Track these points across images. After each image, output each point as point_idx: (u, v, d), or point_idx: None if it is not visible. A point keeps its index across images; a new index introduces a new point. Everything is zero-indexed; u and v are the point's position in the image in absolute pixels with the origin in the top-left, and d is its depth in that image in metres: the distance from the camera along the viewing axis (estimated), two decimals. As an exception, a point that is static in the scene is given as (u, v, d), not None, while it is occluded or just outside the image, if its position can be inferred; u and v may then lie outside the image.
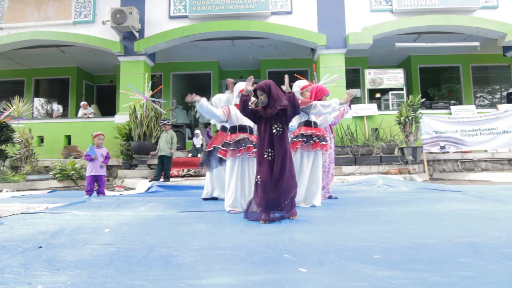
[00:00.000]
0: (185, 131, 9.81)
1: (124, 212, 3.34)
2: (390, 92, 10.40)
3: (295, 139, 3.55)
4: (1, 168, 7.80)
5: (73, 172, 7.74)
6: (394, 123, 8.49)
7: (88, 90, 13.02)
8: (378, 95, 12.32)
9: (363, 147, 8.10)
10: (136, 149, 8.12)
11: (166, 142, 6.79)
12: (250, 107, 2.93)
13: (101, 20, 9.22)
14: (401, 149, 8.14)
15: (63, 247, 2.03)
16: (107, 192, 5.62)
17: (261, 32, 9.00)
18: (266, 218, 2.75)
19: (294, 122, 3.65)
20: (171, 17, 9.22)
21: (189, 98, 3.04)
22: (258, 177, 2.80)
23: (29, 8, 9.48)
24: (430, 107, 9.52)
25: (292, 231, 2.38)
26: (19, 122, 8.55)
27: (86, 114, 9.90)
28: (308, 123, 3.61)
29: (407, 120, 7.97)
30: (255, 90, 2.93)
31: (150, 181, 6.65)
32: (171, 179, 7.06)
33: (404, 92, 10.00)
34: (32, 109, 11.92)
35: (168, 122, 7.01)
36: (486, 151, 8.54)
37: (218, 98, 4.20)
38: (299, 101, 3.63)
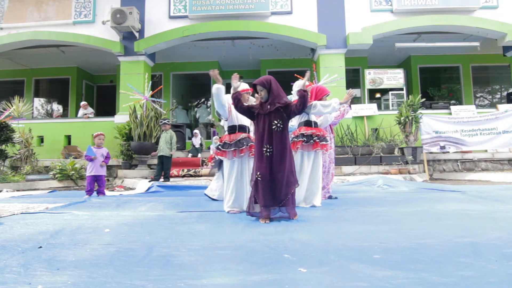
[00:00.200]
0: (185, 131, 9.81)
1: (124, 212, 3.34)
2: (390, 92, 10.40)
3: (295, 139, 3.55)
4: (1, 168, 7.80)
5: (73, 172, 7.74)
6: (394, 123, 8.49)
7: (88, 90, 13.02)
8: (378, 95, 12.32)
9: (363, 147, 8.10)
10: (136, 149, 8.12)
11: (165, 142, 6.80)
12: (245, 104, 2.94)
13: (101, 20, 9.22)
14: (401, 149, 8.14)
15: (63, 247, 2.03)
16: (107, 192, 5.62)
17: (261, 32, 9.01)
18: (267, 215, 2.76)
19: (294, 122, 3.65)
20: (171, 17, 9.22)
21: (213, 73, 3.04)
22: (258, 173, 2.78)
23: (29, 8, 9.48)
24: (430, 107, 9.52)
25: (292, 231, 2.38)
26: (19, 122, 8.55)
27: (86, 114, 9.90)
28: (308, 123, 3.61)
29: (407, 120, 7.97)
30: (254, 86, 2.91)
31: (150, 181, 6.66)
32: (171, 179, 7.06)
33: (404, 92, 10.00)
34: (32, 109, 11.92)
35: (168, 121, 7.02)
36: (486, 151, 8.54)
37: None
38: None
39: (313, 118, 3.68)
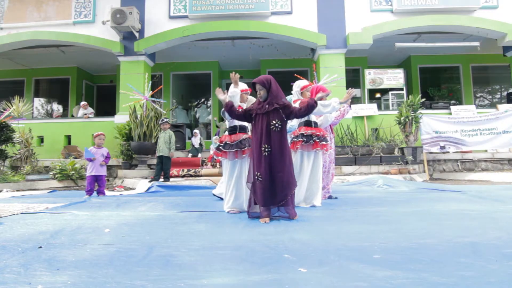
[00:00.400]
0: (185, 131, 9.81)
1: (124, 212, 3.34)
2: (390, 92, 10.40)
3: (295, 139, 3.55)
4: (1, 168, 7.80)
5: (73, 172, 7.74)
6: (394, 123, 8.49)
7: (88, 90, 13.02)
8: (378, 95, 12.32)
9: (363, 147, 8.10)
10: (136, 149, 8.12)
11: (164, 142, 6.78)
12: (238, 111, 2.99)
13: (101, 20, 9.22)
14: (401, 149, 8.14)
15: (63, 247, 2.03)
16: (107, 192, 5.62)
17: (261, 32, 9.01)
18: (267, 214, 2.75)
19: (294, 122, 3.65)
20: (171, 17, 9.22)
21: (234, 77, 3.15)
22: (258, 173, 2.77)
23: (29, 8, 9.48)
24: (430, 107, 9.52)
25: (292, 231, 2.38)
26: (19, 122, 8.55)
27: (86, 114, 9.91)
28: (308, 123, 3.61)
29: (407, 120, 7.97)
30: (253, 84, 2.90)
31: (150, 181, 6.66)
32: (171, 179, 7.06)
33: (404, 92, 10.00)
34: (32, 109, 11.92)
35: (168, 121, 7.01)
36: (486, 151, 8.54)
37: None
38: (299, 101, 3.64)
39: (313, 118, 3.67)
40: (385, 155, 7.92)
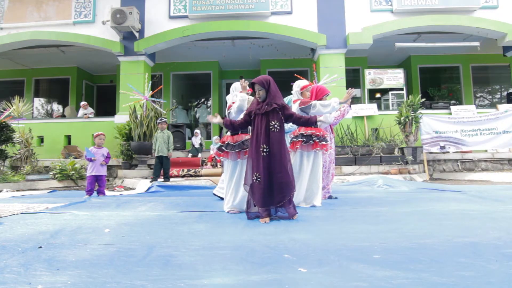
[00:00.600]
0: (185, 131, 9.81)
1: (124, 212, 3.34)
2: (390, 92, 10.40)
3: (295, 139, 3.55)
4: (1, 168, 7.80)
5: (73, 172, 7.74)
6: (394, 123, 8.49)
7: (88, 90, 13.02)
8: (378, 95, 12.32)
9: (363, 147, 8.10)
10: (136, 149, 8.12)
11: (163, 143, 6.74)
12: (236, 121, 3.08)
13: (101, 20, 9.22)
14: (401, 149, 8.14)
15: (63, 247, 2.03)
16: (107, 192, 5.62)
17: (261, 32, 9.01)
18: (267, 215, 2.75)
19: (293, 122, 3.65)
20: (171, 17, 9.23)
21: (243, 83, 3.36)
22: (257, 174, 2.76)
23: (29, 8, 9.48)
24: (430, 107, 9.52)
25: (292, 231, 2.38)
26: (19, 122, 8.55)
27: (86, 114, 9.91)
28: (308, 123, 3.61)
29: (407, 120, 7.97)
30: (253, 84, 2.90)
31: (151, 181, 6.65)
32: (171, 179, 7.06)
33: (404, 92, 10.00)
34: (32, 109, 11.92)
35: (166, 121, 7.00)
36: (486, 151, 8.54)
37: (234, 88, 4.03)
38: (299, 101, 3.64)
39: (313, 118, 3.67)
40: (385, 155, 7.92)
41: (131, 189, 6.98)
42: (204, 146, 9.62)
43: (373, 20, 8.93)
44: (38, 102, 12.75)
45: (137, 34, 9.04)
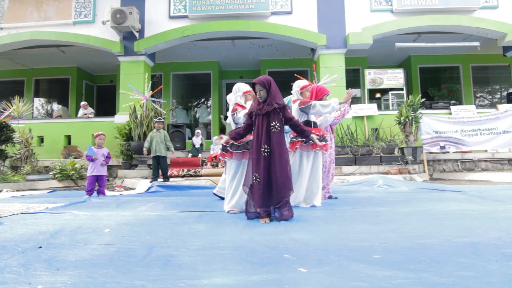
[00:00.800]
0: (185, 131, 9.81)
1: (124, 212, 3.34)
2: (390, 92, 10.40)
3: (295, 139, 3.54)
4: (1, 168, 7.80)
5: (73, 172, 7.74)
6: (394, 123, 8.49)
7: (88, 90, 13.02)
8: (378, 95, 12.32)
9: (363, 147, 8.10)
10: (136, 149, 8.12)
11: (160, 142, 6.63)
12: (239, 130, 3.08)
13: (101, 20, 9.22)
14: (401, 149, 8.14)
15: (63, 247, 2.03)
16: (107, 192, 5.62)
17: (261, 32, 9.01)
18: (267, 215, 2.76)
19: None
20: (171, 17, 9.23)
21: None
22: (256, 174, 2.76)
23: (29, 8, 9.48)
24: (430, 107, 9.52)
25: (292, 231, 2.38)
26: (19, 122, 8.55)
27: (86, 114, 9.91)
28: (307, 123, 3.60)
29: (407, 120, 7.97)
30: (253, 85, 2.91)
31: (151, 181, 6.64)
32: (171, 179, 7.06)
33: (404, 92, 10.00)
34: (32, 109, 11.92)
35: (164, 121, 6.94)
36: (486, 151, 8.54)
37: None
38: (299, 101, 3.64)
39: (312, 118, 3.67)
40: (385, 155, 7.92)
41: (131, 189, 6.98)
42: (204, 146, 9.62)
43: (373, 20, 8.93)
44: (38, 102, 12.75)
45: (137, 34, 9.04)
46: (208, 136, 11.51)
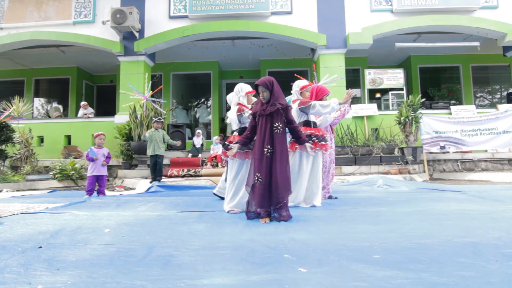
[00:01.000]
0: (185, 131, 9.81)
1: (124, 212, 3.34)
2: (390, 92, 10.40)
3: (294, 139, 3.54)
4: (1, 168, 7.80)
5: (73, 172, 7.74)
6: (394, 123, 8.49)
7: (88, 90, 13.02)
8: (378, 95, 12.32)
9: (363, 147, 8.10)
10: (136, 149, 8.12)
11: (159, 142, 6.56)
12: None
13: (101, 20, 9.22)
14: (401, 149, 8.14)
15: (63, 247, 2.03)
16: (107, 192, 5.62)
17: (261, 32, 9.00)
18: (267, 215, 2.76)
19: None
20: (171, 17, 9.23)
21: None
22: (258, 174, 2.77)
23: (29, 8, 9.48)
24: (430, 107, 9.52)
25: (292, 231, 2.38)
26: (19, 122, 8.55)
27: (86, 114, 9.91)
28: (307, 123, 3.61)
29: (407, 120, 7.97)
30: (256, 86, 2.93)
31: (150, 181, 6.62)
32: (171, 179, 7.06)
33: (404, 92, 10.00)
34: (32, 109, 11.92)
35: (163, 121, 6.90)
36: (486, 151, 8.54)
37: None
38: (299, 101, 3.64)
39: (312, 118, 3.67)
40: (385, 155, 7.92)
41: (131, 189, 6.98)
42: (204, 146, 9.62)
43: (373, 20, 8.93)
44: (38, 102, 12.74)
45: (137, 34, 9.04)
46: (208, 136, 11.51)
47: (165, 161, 7.93)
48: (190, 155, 8.97)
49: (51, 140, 9.49)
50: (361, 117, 9.05)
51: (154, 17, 9.27)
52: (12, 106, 8.73)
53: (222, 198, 4.04)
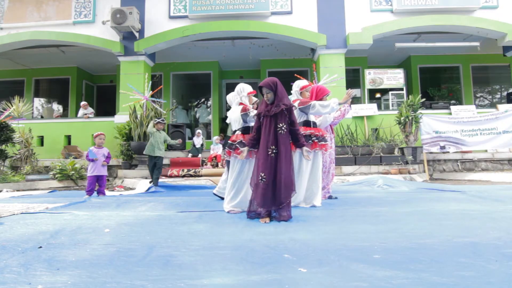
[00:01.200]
0: (185, 131, 9.81)
1: (124, 212, 3.34)
2: (390, 92, 10.39)
3: (295, 139, 3.54)
4: (1, 168, 7.80)
5: (73, 172, 7.74)
6: (394, 123, 8.49)
7: (88, 90, 13.02)
8: (378, 95, 12.32)
9: (363, 147, 8.10)
10: (136, 149, 8.12)
11: (160, 143, 6.28)
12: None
13: (101, 20, 9.22)
14: (401, 149, 8.14)
15: (63, 247, 2.03)
16: (107, 192, 5.62)
17: (261, 32, 9.00)
18: (267, 215, 2.77)
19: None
20: (171, 17, 9.22)
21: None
22: (263, 174, 2.78)
23: (29, 8, 9.48)
24: (430, 107, 9.52)
25: (292, 231, 2.38)
26: (19, 122, 8.55)
27: (86, 114, 9.91)
28: (307, 123, 3.61)
29: (407, 120, 7.97)
30: (260, 88, 2.94)
31: (150, 182, 6.57)
32: (171, 179, 7.05)
33: (404, 92, 10.00)
34: (32, 109, 11.92)
35: (165, 122, 6.76)
36: (486, 151, 8.54)
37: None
38: (298, 101, 3.64)
39: (312, 118, 3.67)
40: (385, 155, 7.92)
41: (131, 189, 6.98)
42: (204, 146, 9.62)
43: (373, 20, 8.93)
44: (38, 102, 12.74)
45: (137, 34, 9.04)
46: (208, 136, 11.51)
47: (165, 161, 7.91)
48: (190, 155, 8.97)
49: (51, 140, 9.49)
50: (361, 117, 9.05)
51: (154, 17, 9.27)
52: (12, 106, 8.73)
53: (222, 198, 4.02)
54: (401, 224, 2.57)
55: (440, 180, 7.62)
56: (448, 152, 8.21)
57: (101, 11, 9.33)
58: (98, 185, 5.22)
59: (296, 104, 3.62)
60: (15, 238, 2.24)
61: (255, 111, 3.25)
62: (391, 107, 10.09)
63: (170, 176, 7.52)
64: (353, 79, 11.39)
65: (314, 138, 3.51)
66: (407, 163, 7.56)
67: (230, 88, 10.53)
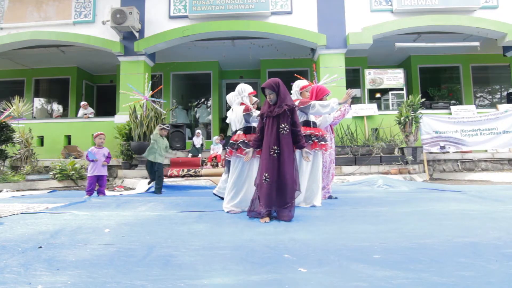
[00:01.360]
0: (185, 131, 9.81)
1: (124, 212, 3.34)
2: (390, 92, 10.40)
3: (295, 139, 3.54)
4: (1, 168, 7.80)
5: (73, 172, 7.74)
6: (394, 123, 8.49)
7: (88, 90, 13.03)
8: (378, 95, 12.32)
9: (363, 147, 8.10)
10: (136, 149, 8.12)
11: (162, 149, 5.94)
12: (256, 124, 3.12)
13: (101, 20, 9.22)
14: (401, 149, 8.14)
15: (63, 247, 2.03)
16: (107, 192, 5.61)
17: (261, 32, 9.00)
18: (267, 215, 2.77)
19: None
20: (171, 17, 9.23)
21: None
22: (266, 174, 2.79)
23: (29, 8, 9.48)
24: (430, 107, 9.52)
25: (292, 231, 2.38)
26: (19, 122, 8.55)
27: (86, 114, 9.91)
28: (307, 123, 3.60)
29: (407, 120, 7.97)
30: (263, 89, 2.96)
31: (149, 183, 6.52)
32: (171, 179, 7.05)
33: (404, 92, 10.00)
34: (32, 109, 11.93)
35: (169, 129, 6.62)
36: (486, 151, 8.54)
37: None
38: (298, 101, 3.64)
39: (312, 118, 3.67)
40: (385, 155, 7.92)
41: (131, 189, 6.98)
42: (204, 146, 9.62)
43: (373, 20, 8.93)
44: (38, 102, 12.75)
45: (137, 34, 9.04)
46: (208, 136, 11.52)
47: (165, 161, 7.87)
48: (190, 155, 8.97)
49: (51, 140, 9.49)
50: (361, 117, 9.05)
51: (154, 17, 9.27)
52: (12, 106, 8.73)
53: (222, 198, 4.00)
54: (401, 224, 2.57)
55: (440, 180, 7.62)
56: (448, 152, 8.21)
57: (101, 11, 9.33)
58: (98, 185, 5.22)
59: (296, 104, 3.62)
60: (15, 238, 2.24)
61: (257, 111, 3.26)
62: (391, 107, 10.09)
63: (170, 176, 7.51)
64: (353, 79, 11.39)
65: (314, 138, 3.51)
66: (407, 163, 7.56)
67: (230, 88, 10.53)
